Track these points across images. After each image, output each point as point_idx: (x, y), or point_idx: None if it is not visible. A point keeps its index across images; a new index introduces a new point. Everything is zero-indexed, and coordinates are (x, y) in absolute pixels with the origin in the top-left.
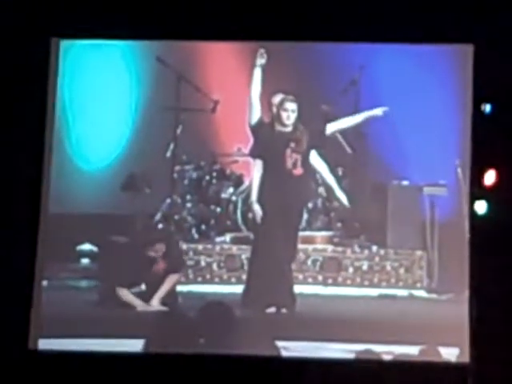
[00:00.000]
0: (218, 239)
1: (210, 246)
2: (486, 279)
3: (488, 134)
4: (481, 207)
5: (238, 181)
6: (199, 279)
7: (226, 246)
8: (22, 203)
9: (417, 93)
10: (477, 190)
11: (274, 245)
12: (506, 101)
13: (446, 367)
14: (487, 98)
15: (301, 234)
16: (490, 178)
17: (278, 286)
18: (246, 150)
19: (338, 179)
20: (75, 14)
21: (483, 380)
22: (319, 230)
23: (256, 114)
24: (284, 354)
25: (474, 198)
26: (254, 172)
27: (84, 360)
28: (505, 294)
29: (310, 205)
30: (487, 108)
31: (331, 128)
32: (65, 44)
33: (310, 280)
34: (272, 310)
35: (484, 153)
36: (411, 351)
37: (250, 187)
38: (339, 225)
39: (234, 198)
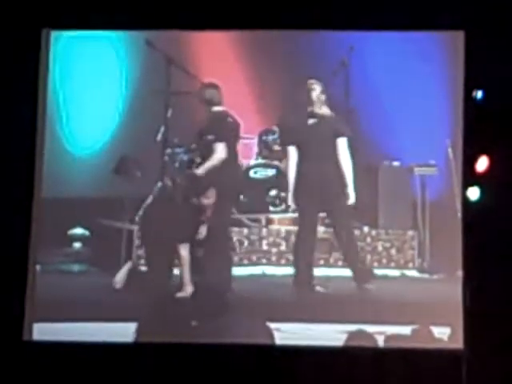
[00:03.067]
0: None
1: None
2: (479, 263)
3: (480, 120)
4: (473, 193)
5: None
6: None
7: None
8: (15, 188)
9: (407, 76)
10: (469, 176)
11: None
12: (497, 87)
13: (440, 352)
14: (479, 84)
15: (292, 215)
16: (482, 164)
17: None
18: None
19: None
20: (65, 5)
21: (476, 363)
22: None
23: None
24: (276, 335)
25: (466, 184)
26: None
27: (77, 348)
28: (496, 278)
29: None
30: (479, 94)
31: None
32: (55, 34)
33: None
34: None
35: (476, 139)
36: (403, 331)
37: None
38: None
39: None
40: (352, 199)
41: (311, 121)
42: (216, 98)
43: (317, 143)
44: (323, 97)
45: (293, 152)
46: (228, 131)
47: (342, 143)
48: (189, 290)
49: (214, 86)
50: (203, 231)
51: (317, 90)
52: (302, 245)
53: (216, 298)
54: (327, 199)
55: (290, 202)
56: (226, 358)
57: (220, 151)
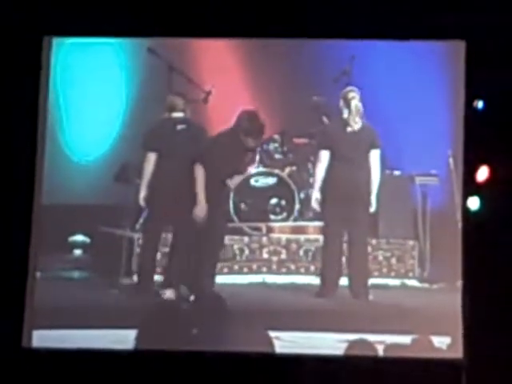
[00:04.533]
0: None
1: None
2: (479, 273)
3: (480, 130)
4: (473, 203)
5: None
6: None
7: None
8: (16, 195)
9: (409, 85)
10: (469, 186)
11: None
12: (498, 97)
13: (439, 362)
14: (479, 94)
15: (292, 224)
16: (482, 174)
17: None
18: None
19: None
20: (67, 12)
21: (476, 372)
22: (311, 220)
23: None
24: (277, 343)
25: (466, 194)
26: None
27: (77, 355)
28: (496, 288)
29: (302, 195)
30: (479, 104)
31: None
32: (57, 41)
33: (302, 270)
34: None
35: (477, 149)
36: (403, 340)
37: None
38: None
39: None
40: (373, 207)
41: (349, 129)
42: (179, 105)
43: (352, 151)
44: (360, 105)
45: (325, 156)
46: (163, 140)
47: (376, 155)
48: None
49: (180, 95)
50: None
51: (356, 99)
52: (330, 252)
53: (216, 305)
54: (352, 205)
55: (314, 203)
56: (226, 366)
57: (146, 160)
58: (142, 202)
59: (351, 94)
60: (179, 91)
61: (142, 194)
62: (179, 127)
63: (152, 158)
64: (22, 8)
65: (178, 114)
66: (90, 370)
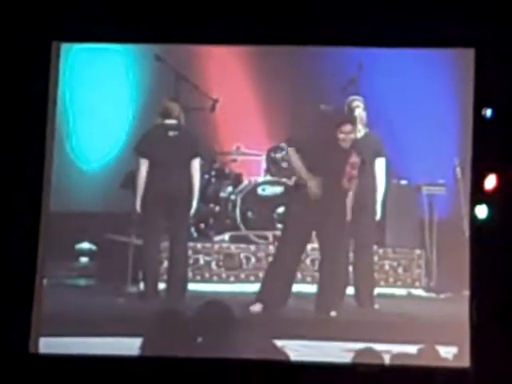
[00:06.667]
0: (217, 238)
1: (208, 245)
2: (486, 283)
3: (489, 138)
4: (481, 212)
5: (236, 179)
6: (198, 278)
7: (224, 245)
8: (23, 202)
9: (417, 94)
10: (477, 195)
11: None
12: (506, 106)
13: (446, 370)
14: (488, 102)
15: None
16: (490, 182)
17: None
18: (245, 149)
19: None
20: (75, 18)
21: (482, 383)
22: None
23: None
24: (282, 352)
25: (474, 202)
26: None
27: (82, 362)
28: (503, 297)
29: None
30: (488, 113)
31: None
32: (65, 47)
33: (308, 279)
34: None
35: (485, 157)
36: (410, 350)
37: (248, 186)
38: None
39: (232, 196)
40: (379, 216)
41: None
42: (174, 111)
43: None
44: (364, 114)
45: None
46: (154, 146)
47: (381, 163)
48: None
49: (174, 99)
50: None
51: (360, 108)
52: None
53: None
54: (358, 214)
55: None
56: (232, 375)
57: (139, 167)
58: (138, 209)
59: (355, 103)
60: (175, 97)
61: (138, 201)
62: (171, 133)
63: (144, 164)
64: (31, 13)
65: (170, 121)
66: (96, 377)
